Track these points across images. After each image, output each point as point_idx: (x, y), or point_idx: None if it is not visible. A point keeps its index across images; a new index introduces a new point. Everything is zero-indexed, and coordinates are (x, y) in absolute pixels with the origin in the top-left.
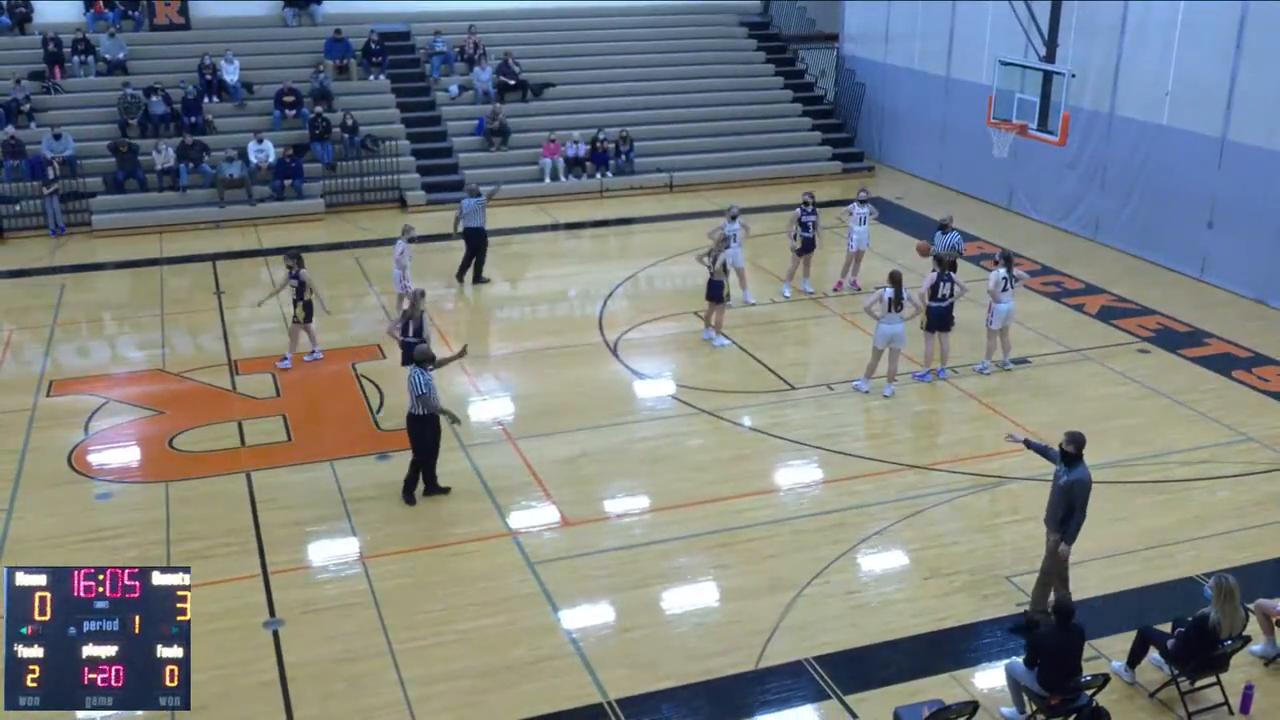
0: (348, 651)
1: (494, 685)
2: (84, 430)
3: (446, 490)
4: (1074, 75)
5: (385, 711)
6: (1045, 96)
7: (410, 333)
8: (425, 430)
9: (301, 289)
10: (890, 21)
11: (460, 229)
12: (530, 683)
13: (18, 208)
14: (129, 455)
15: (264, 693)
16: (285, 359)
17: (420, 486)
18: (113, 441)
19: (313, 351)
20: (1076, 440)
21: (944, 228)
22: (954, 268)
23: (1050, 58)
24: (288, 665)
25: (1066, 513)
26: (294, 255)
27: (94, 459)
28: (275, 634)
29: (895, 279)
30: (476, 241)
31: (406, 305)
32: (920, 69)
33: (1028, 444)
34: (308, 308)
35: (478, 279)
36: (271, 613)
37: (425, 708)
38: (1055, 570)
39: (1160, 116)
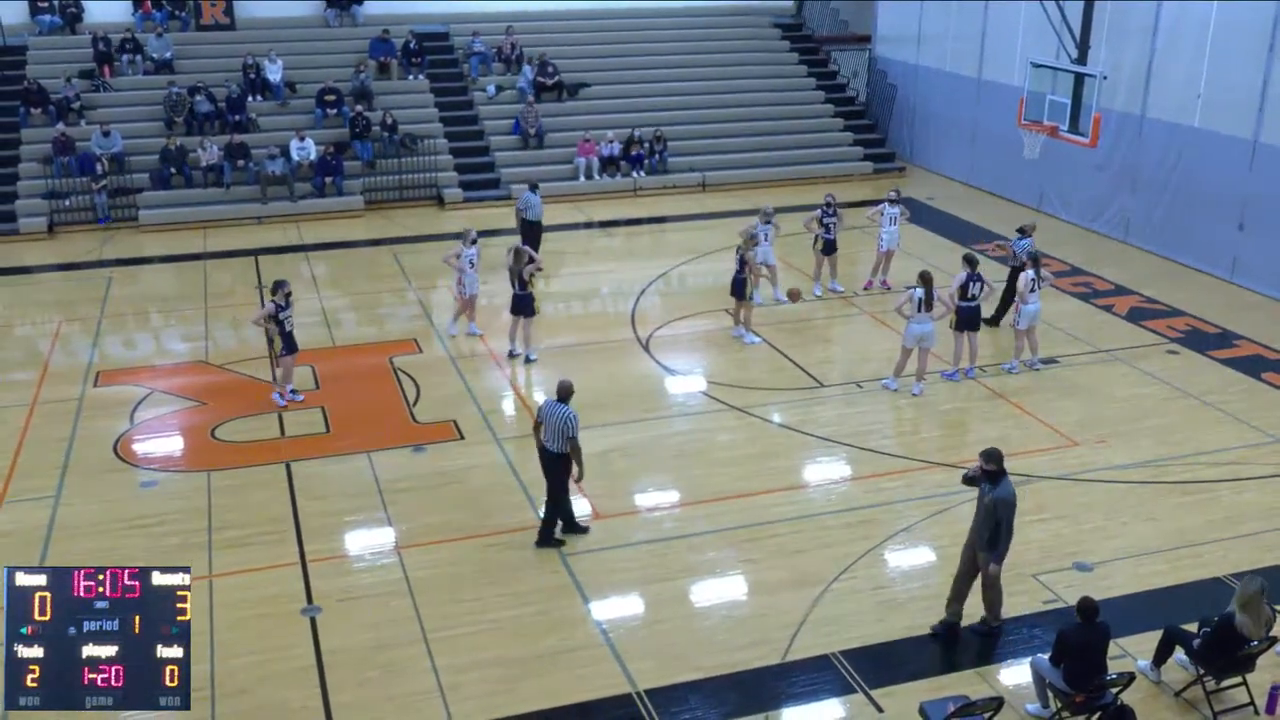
0: (383, 639)
1: (525, 674)
2: (129, 420)
3: (585, 530)
4: (1106, 77)
5: (419, 698)
6: (1077, 98)
7: (518, 286)
8: (560, 464)
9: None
10: (922, 23)
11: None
12: (561, 672)
13: (67, 203)
14: (172, 445)
15: (301, 677)
16: (282, 397)
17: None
18: (157, 431)
19: (289, 391)
20: (995, 457)
21: (1023, 232)
22: (976, 264)
23: (1082, 60)
24: (324, 651)
25: (994, 531)
26: (285, 282)
27: (139, 448)
28: (312, 620)
29: (926, 279)
30: (527, 230)
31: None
32: (952, 70)
33: (965, 479)
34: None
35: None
36: (309, 600)
37: (458, 695)
38: (995, 587)
39: (1192, 119)
